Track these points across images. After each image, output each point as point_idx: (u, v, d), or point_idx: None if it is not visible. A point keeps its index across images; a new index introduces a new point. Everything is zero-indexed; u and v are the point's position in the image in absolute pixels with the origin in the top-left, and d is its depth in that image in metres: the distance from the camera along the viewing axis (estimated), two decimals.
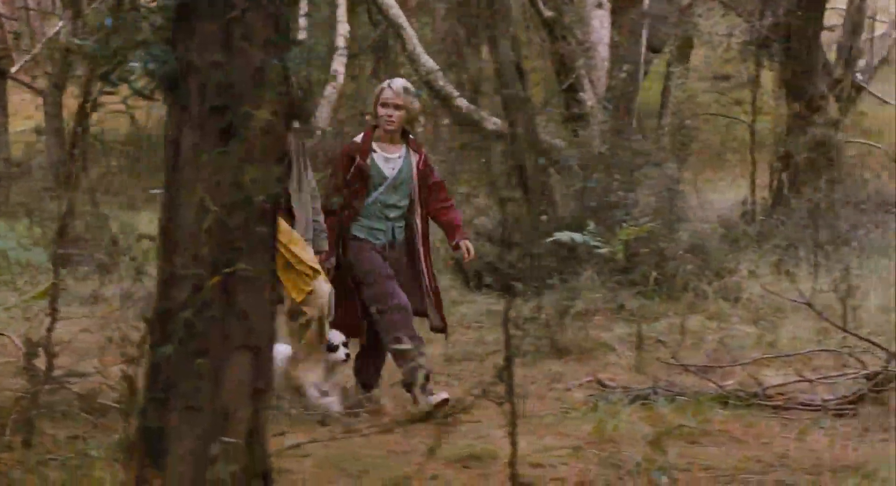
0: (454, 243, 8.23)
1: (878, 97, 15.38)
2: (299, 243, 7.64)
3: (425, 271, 8.20)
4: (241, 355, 4.01)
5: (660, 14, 17.75)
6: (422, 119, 8.32)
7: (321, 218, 8.06)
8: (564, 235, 10.55)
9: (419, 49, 14.45)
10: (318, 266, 7.67)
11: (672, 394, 7.52)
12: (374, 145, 8.12)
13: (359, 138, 8.20)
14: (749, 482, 5.94)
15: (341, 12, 17.99)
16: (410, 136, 8.21)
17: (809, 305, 8.05)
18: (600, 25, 16.20)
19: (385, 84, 8.18)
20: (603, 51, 16.11)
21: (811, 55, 14.44)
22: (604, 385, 8.18)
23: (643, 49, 13.66)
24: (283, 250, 7.39)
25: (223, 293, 3.94)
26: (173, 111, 4.04)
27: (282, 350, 7.59)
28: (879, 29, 17.05)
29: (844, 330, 7.78)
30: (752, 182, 14.50)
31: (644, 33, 15.07)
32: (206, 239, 3.91)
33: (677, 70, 16.66)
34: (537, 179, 12.59)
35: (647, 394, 7.53)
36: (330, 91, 17.90)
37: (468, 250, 8.21)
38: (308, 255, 7.63)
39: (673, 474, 5.98)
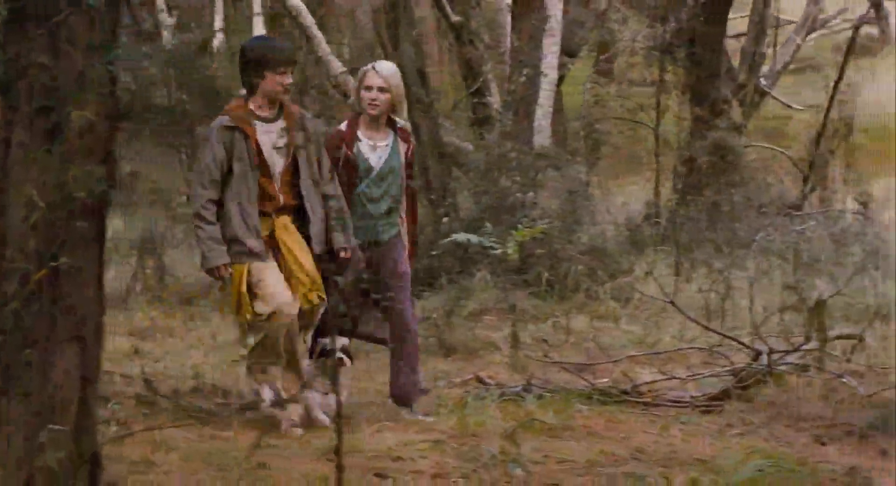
0: None
1: (783, 102, 15.68)
2: (302, 250, 7.14)
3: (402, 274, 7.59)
4: (69, 346, 4.14)
5: (576, 19, 18.04)
6: (405, 105, 7.73)
7: (343, 209, 7.34)
8: (461, 236, 10.77)
9: (328, 52, 14.59)
10: (316, 277, 7.12)
11: (543, 391, 7.71)
12: (360, 133, 7.57)
13: (343, 126, 7.66)
14: (601, 474, 6.14)
15: (258, 21, 18.07)
16: (398, 123, 7.67)
17: (672, 303, 8.26)
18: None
19: (368, 67, 7.63)
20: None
21: (715, 60, 14.71)
22: (483, 382, 8.36)
23: (548, 53, 13.82)
24: (286, 254, 7.09)
25: (50, 287, 4.08)
26: (5, 111, 4.18)
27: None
28: (783, 36, 17.42)
29: (707, 327, 7.99)
30: (657, 185, 14.75)
31: (552, 38, 15.29)
32: (32, 234, 4.05)
33: (589, 74, 16.90)
34: (440, 181, 12.76)
35: (518, 391, 7.71)
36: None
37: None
38: (307, 263, 7.13)
39: (528, 466, 6.19)
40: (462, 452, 6.41)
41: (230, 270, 7.04)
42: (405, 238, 7.71)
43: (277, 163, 7.13)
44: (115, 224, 14.58)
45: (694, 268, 12.37)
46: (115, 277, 12.38)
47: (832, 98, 14.41)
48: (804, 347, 7.77)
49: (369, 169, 7.52)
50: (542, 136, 15.57)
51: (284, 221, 7.16)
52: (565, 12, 19.92)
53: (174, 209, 14.09)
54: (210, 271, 7.10)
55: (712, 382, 7.99)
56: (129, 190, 14.41)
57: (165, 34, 17.82)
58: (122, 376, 8.28)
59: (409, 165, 7.69)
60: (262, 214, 7.09)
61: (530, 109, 13.09)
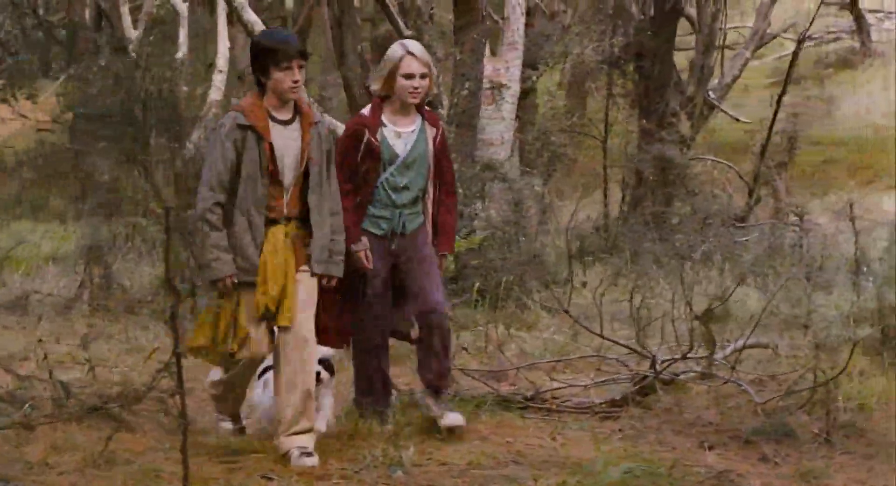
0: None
1: (731, 115, 15.90)
2: (276, 271, 6.57)
3: (431, 272, 7.21)
4: None
5: (542, 32, 18.26)
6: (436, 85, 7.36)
7: (342, 237, 6.84)
8: None
9: None
10: (272, 304, 6.55)
11: (449, 397, 7.89)
12: (385, 119, 7.09)
13: (366, 111, 7.19)
14: (477, 476, 6.37)
15: (222, 28, 18.28)
16: (424, 106, 7.22)
17: (567, 312, 8.48)
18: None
19: (402, 51, 7.04)
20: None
21: (663, 73, 14.94)
22: (396, 389, 8.54)
23: (511, 65, 14.04)
24: (261, 268, 6.54)
25: None
26: None
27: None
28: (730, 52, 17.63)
29: (601, 336, 8.20)
30: (605, 197, 14.96)
31: (514, 51, 15.52)
32: None
33: (550, 87, 17.13)
34: None
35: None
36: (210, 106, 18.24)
37: (444, 266, 7.49)
38: (273, 288, 6.55)
39: (409, 468, 6.42)
40: (346, 453, 6.65)
41: (235, 281, 6.53)
42: (430, 227, 7.29)
43: (289, 171, 6.62)
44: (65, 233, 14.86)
45: (630, 278, 12.56)
46: (64, 285, 12.72)
47: (776, 112, 14.62)
48: (690, 355, 7.95)
49: (394, 157, 7.08)
50: (504, 148, 15.84)
51: (279, 232, 6.61)
52: (530, 25, 20.26)
53: (126, 219, 14.23)
54: (214, 283, 6.57)
55: (616, 389, 8.19)
56: (79, 200, 14.63)
57: (130, 47, 18.06)
58: (40, 381, 8.40)
59: (439, 151, 7.21)
60: (265, 223, 6.59)
61: (473, 122, 13.28)
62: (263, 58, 6.63)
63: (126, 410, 6.25)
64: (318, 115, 6.89)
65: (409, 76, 6.98)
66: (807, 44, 33.53)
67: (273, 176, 6.56)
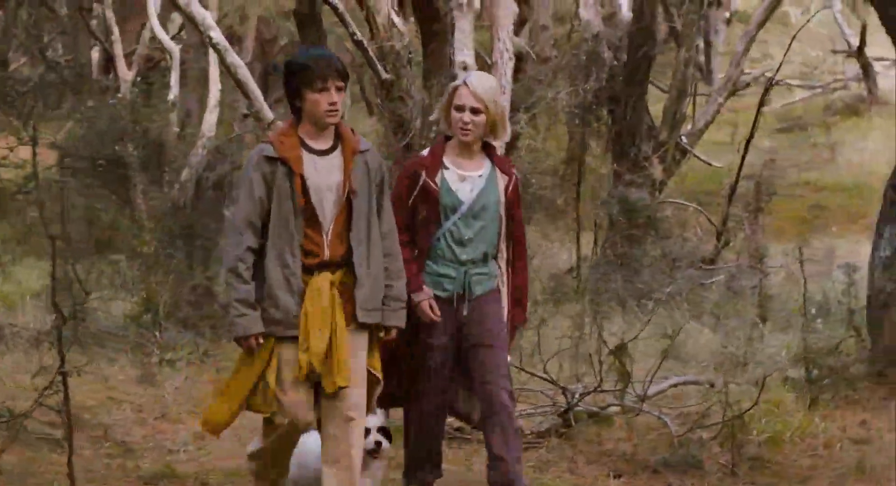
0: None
1: (703, 160, 16.21)
2: (324, 324, 5.79)
3: (509, 328, 6.49)
4: None
5: (533, 76, 18.62)
6: (507, 127, 6.37)
7: (401, 283, 5.99)
8: None
9: (258, 96, 15.09)
10: (318, 362, 5.76)
11: None
12: (447, 160, 6.30)
13: (426, 151, 6.46)
14: None
15: (214, 72, 18.61)
16: (496, 150, 6.52)
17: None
18: None
19: (459, 81, 6.35)
20: None
21: (635, 119, 15.24)
22: None
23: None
24: (302, 323, 5.80)
25: None
26: None
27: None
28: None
29: (520, 368, 8.48)
30: (577, 239, 15.23)
31: (502, 96, 15.86)
32: None
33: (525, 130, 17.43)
34: None
35: None
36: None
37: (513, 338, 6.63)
38: (317, 344, 5.76)
39: None
40: None
41: (261, 340, 5.82)
42: (505, 294, 6.45)
43: (328, 207, 5.84)
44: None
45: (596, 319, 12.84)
46: (34, 318, 13.07)
47: (743, 157, 14.93)
48: (606, 388, 8.24)
49: (457, 204, 6.25)
50: None
51: (324, 280, 5.82)
52: (523, 71, 20.64)
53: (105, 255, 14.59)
54: (238, 341, 5.83)
55: (542, 420, 8.47)
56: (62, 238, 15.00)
57: (123, 87, 18.50)
58: None
59: (511, 202, 6.37)
60: (304, 270, 5.83)
61: None
62: (297, 78, 5.87)
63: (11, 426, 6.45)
64: (366, 143, 6.00)
65: (460, 108, 6.23)
66: (815, 91, 33.99)
67: (309, 214, 5.81)
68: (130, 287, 13.41)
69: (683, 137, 15.66)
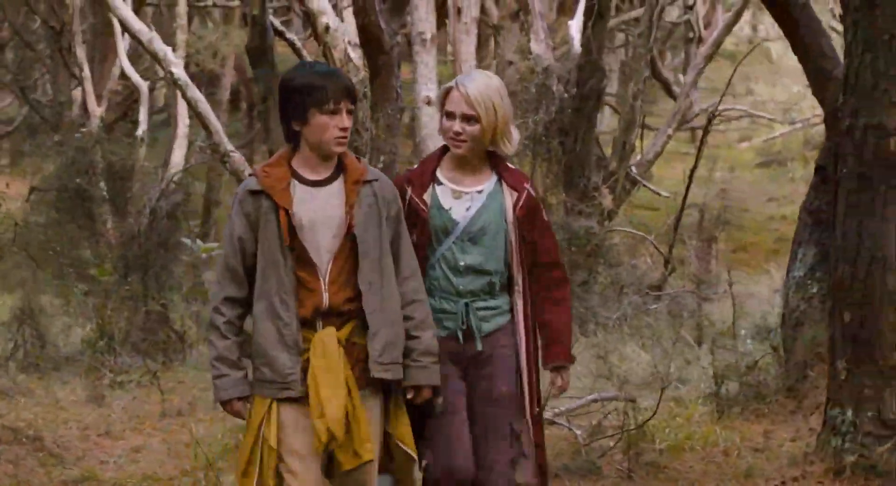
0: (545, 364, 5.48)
1: (653, 190, 16.63)
2: (337, 386, 4.95)
3: (527, 392, 5.43)
4: None
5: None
6: (514, 132, 5.41)
7: (429, 333, 5.16)
8: None
9: (218, 129, 15.53)
10: (339, 429, 4.92)
11: None
12: (442, 175, 5.41)
13: (417, 165, 5.60)
14: None
15: (182, 107, 19.06)
16: (506, 161, 5.50)
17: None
18: (430, 120, 17.53)
19: (452, 83, 5.39)
20: (431, 145, 17.41)
21: (584, 151, 15.68)
22: None
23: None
24: (310, 390, 4.97)
25: None
26: None
27: None
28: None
29: None
30: None
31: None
32: None
33: None
34: None
35: None
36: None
37: (560, 384, 5.52)
38: (334, 407, 4.91)
39: None
40: None
41: (249, 405, 5.09)
42: (521, 332, 5.43)
43: (324, 245, 5.05)
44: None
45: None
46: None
47: (688, 187, 15.35)
48: None
49: (449, 225, 5.34)
50: None
51: (329, 335, 5.01)
52: None
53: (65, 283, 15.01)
54: (222, 405, 5.11)
55: None
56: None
57: (94, 121, 18.98)
58: None
59: (523, 222, 5.37)
60: (303, 322, 5.04)
61: None
62: (300, 98, 5.02)
63: None
64: (376, 171, 5.23)
65: (450, 116, 5.33)
66: (796, 126, 34.44)
67: (299, 254, 5.02)
68: (90, 314, 13.85)
69: (633, 168, 16.10)
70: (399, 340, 5.10)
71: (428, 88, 17.68)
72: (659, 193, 16.71)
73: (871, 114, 6.91)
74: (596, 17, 15.25)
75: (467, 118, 5.30)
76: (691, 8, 28.59)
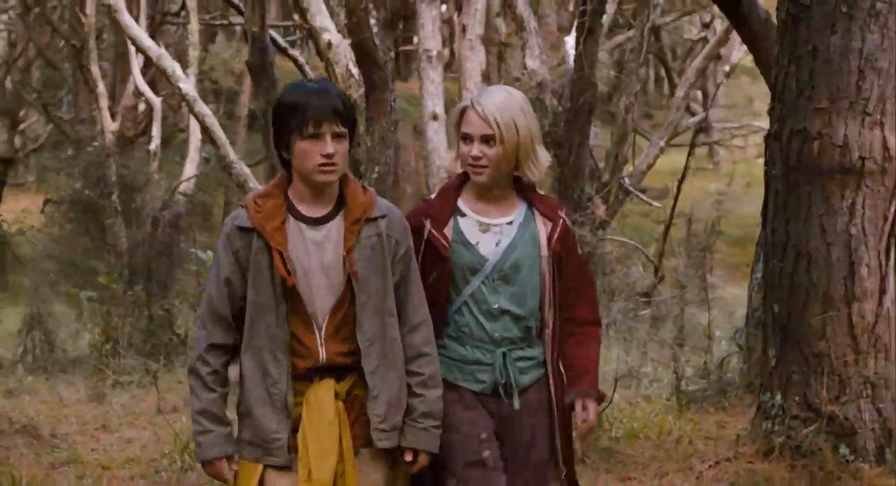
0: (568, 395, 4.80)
1: (645, 200, 17.11)
2: (330, 448, 4.42)
3: (561, 454, 4.82)
4: None
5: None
6: (541, 154, 4.73)
7: (435, 393, 4.57)
8: None
9: (224, 142, 16.09)
10: None
11: None
12: (464, 205, 4.75)
13: (435, 194, 4.86)
14: None
15: (194, 121, 19.66)
16: (535, 187, 4.83)
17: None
18: (435, 135, 18.13)
19: (467, 101, 4.72)
20: (437, 159, 18.01)
21: (578, 162, 16.18)
22: None
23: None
24: (300, 453, 4.43)
25: None
26: None
27: None
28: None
29: None
30: None
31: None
32: None
33: None
34: None
35: None
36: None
37: (588, 418, 4.82)
38: (323, 472, 4.39)
39: None
40: None
41: (234, 466, 4.51)
42: (552, 388, 4.80)
43: (321, 293, 4.46)
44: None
45: None
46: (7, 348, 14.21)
47: (676, 198, 15.84)
48: None
49: (477, 262, 4.67)
50: None
51: (326, 391, 4.46)
52: None
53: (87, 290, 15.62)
54: (203, 465, 4.54)
55: None
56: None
57: (108, 136, 19.63)
58: None
59: (559, 257, 4.74)
60: (296, 377, 4.47)
61: None
62: (284, 122, 4.42)
63: None
64: (385, 205, 4.56)
65: (467, 139, 4.67)
66: None
67: (294, 303, 4.43)
68: (98, 320, 14.47)
69: (626, 179, 16.61)
70: (402, 400, 4.52)
71: (434, 104, 18.29)
72: (651, 204, 17.20)
73: (796, 120, 7.42)
74: (587, 33, 15.75)
75: (486, 139, 4.61)
76: (708, 26, 29.07)
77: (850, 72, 7.29)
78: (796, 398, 7.49)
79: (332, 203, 4.49)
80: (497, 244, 4.69)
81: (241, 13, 15.03)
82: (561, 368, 4.80)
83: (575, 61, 16.24)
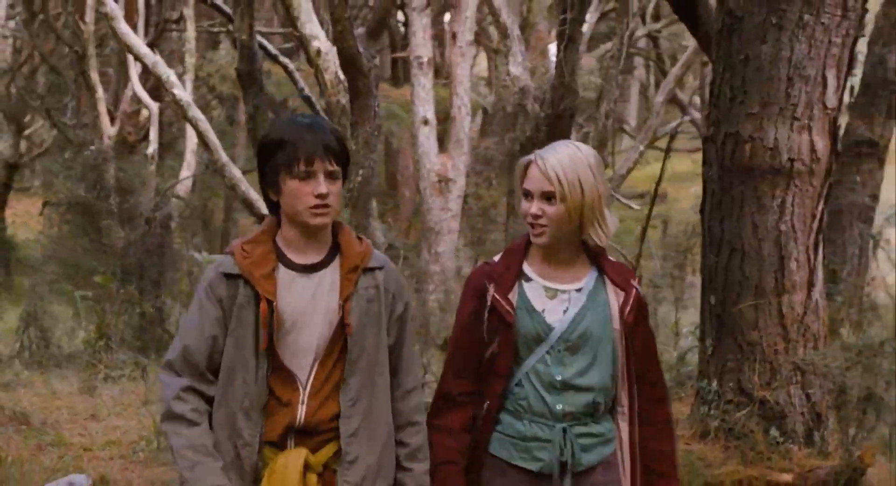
0: None
1: (624, 202, 17.60)
2: None
3: None
4: None
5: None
6: (609, 218, 4.38)
7: (421, 466, 4.23)
8: None
9: (225, 159, 16.62)
10: None
11: None
12: (529, 268, 4.42)
13: (497, 257, 4.50)
14: None
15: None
16: (605, 252, 4.46)
17: None
18: (426, 140, 18.63)
19: (531, 156, 4.38)
20: (427, 163, 18.52)
21: None
22: None
23: (458, 161, 15.89)
24: None
25: None
26: None
27: None
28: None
29: None
30: None
31: (461, 148, 17.54)
32: None
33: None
34: None
35: None
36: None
37: None
38: None
39: None
40: None
41: None
42: (629, 467, 4.42)
43: (308, 349, 4.07)
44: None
45: None
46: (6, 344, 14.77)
47: (653, 201, 16.30)
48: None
49: (543, 331, 4.32)
50: (451, 237, 17.79)
51: (295, 459, 4.03)
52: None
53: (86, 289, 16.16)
54: None
55: None
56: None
57: (106, 140, 20.21)
58: None
59: (631, 330, 4.39)
60: (269, 441, 4.06)
61: (367, 205, 15.11)
62: (272, 160, 4.05)
63: None
64: (381, 256, 4.26)
65: (527, 195, 4.35)
66: None
67: (277, 358, 4.05)
68: (93, 318, 15.01)
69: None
70: (387, 473, 4.14)
71: (425, 110, 18.79)
72: (631, 206, 17.70)
73: (730, 124, 7.94)
74: (567, 41, 16.25)
75: (547, 197, 4.28)
76: None
77: (779, 79, 7.80)
78: (731, 384, 8.00)
79: (326, 250, 4.13)
80: (565, 312, 4.33)
81: (231, 22, 15.56)
82: (637, 451, 4.40)
83: (556, 68, 16.77)
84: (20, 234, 22.23)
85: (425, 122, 18.89)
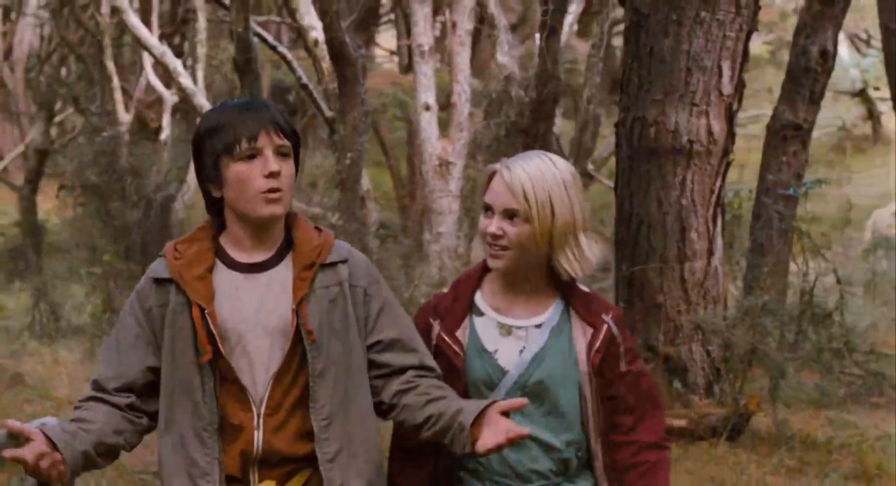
0: None
1: (606, 183, 18.45)
2: None
3: None
4: None
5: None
6: (585, 245, 3.64)
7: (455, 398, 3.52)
8: None
9: None
10: None
11: None
12: (482, 301, 3.73)
13: (449, 287, 3.82)
14: None
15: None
16: (576, 282, 3.73)
17: None
18: (428, 125, 19.56)
19: (498, 164, 3.68)
20: (429, 148, 19.45)
21: (544, 148, 17.59)
22: None
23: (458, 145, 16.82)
24: None
25: None
26: None
27: None
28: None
29: None
30: None
31: (460, 132, 18.48)
32: None
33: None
34: None
35: None
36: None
37: None
38: None
39: None
40: None
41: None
42: None
43: (260, 361, 3.45)
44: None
45: None
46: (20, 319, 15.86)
47: None
48: None
49: (496, 375, 3.65)
50: (451, 218, 18.73)
51: None
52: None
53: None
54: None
55: None
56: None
57: (121, 127, 21.20)
58: None
59: (603, 371, 3.69)
60: (228, 476, 3.45)
61: (355, 187, 16.06)
62: (209, 147, 3.44)
63: None
64: (344, 248, 3.58)
65: (487, 210, 3.68)
66: (825, 130, 35.81)
67: (223, 375, 3.46)
68: (100, 294, 16.09)
69: (590, 164, 17.99)
70: None
71: (426, 96, 19.71)
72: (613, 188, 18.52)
73: (637, 110, 8.88)
74: (549, 31, 17.12)
75: (510, 215, 3.61)
76: None
77: (679, 70, 8.73)
78: (639, 342, 8.94)
79: (276, 246, 3.49)
80: (521, 352, 3.64)
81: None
82: None
83: (539, 56, 17.64)
84: (52, 219, 23.31)
85: (427, 107, 19.76)
